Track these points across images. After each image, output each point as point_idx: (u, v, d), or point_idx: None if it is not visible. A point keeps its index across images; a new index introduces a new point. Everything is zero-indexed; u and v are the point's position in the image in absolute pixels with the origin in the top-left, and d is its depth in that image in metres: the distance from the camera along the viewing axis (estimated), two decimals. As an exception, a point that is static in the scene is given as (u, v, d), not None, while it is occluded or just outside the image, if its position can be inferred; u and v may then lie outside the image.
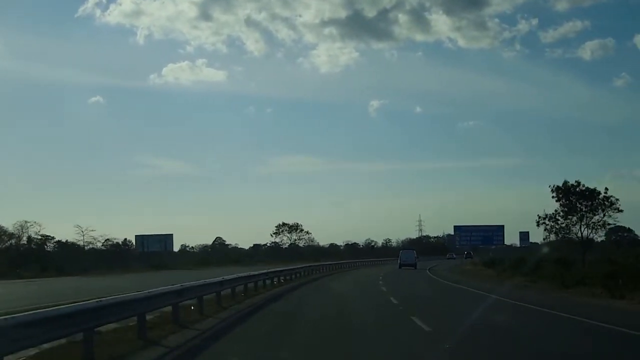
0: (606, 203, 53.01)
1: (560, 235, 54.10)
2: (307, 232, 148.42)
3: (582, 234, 53.77)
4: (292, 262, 77.01)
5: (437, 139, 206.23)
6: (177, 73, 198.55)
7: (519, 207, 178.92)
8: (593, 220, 53.23)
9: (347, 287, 41.01)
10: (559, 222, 53.41)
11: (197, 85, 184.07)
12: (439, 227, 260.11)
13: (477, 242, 72.56)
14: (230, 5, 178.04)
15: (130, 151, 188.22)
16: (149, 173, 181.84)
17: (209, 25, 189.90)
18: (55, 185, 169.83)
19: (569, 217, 53.75)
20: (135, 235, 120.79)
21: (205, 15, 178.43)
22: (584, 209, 53.56)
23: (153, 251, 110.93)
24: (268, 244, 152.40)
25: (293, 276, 47.20)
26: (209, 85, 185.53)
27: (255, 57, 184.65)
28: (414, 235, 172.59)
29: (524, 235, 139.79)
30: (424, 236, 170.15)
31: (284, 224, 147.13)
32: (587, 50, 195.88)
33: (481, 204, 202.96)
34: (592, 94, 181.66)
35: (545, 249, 78.58)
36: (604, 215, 53.27)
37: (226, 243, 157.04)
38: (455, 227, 71.44)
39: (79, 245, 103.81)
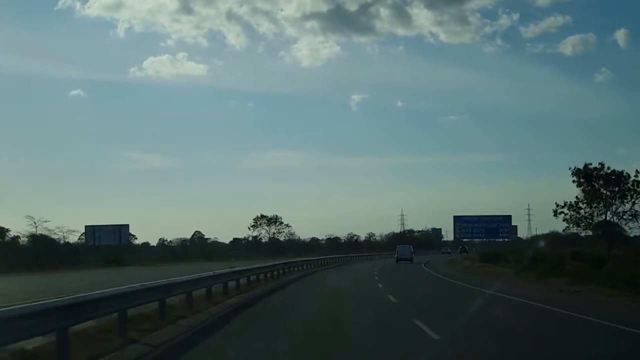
0: (637, 188, 43.50)
1: (583, 226, 44.34)
2: (287, 225, 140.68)
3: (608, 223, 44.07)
4: (272, 258, 71.98)
5: (418, 134, 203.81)
6: (157, 66, 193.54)
7: (501, 202, 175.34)
8: (623, 208, 43.52)
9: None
10: (582, 210, 43.63)
11: (178, 79, 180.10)
12: (421, 221, 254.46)
13: (480, 234, 62.54)
14: None
15: (110, 145, 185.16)
16: (130, 167, 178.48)
17: (190, 18, 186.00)
18: (34, 179, 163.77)
19: (594, 204, 44.12)
20: (85, 226, 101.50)
21: (186, 9, 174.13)
22: (610, 195, 43.95)
23: (105, 244, 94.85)
24: (248, 239, 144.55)
25: (268, 275, 37.36)
26: (189, 79, 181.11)
27: (237, 51, 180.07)
28: (397, 229, 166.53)
29: (512, 229, 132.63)
30: (408, 230, 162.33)
31: (262, 217, 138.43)
32: (568, 46, 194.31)
33: (462, 198, 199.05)
34: (573, 89, 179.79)
35: (542, 243, 70.34)
36: (634, 202, 43.73)
37: (205, 237, 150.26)
38: (455, 217, 61.32)
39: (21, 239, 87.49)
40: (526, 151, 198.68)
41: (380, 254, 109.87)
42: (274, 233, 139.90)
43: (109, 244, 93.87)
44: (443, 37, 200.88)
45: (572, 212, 44.74)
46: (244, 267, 30.88)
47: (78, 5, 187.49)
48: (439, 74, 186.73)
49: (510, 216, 61.74)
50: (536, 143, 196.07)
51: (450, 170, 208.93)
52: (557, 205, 44.59)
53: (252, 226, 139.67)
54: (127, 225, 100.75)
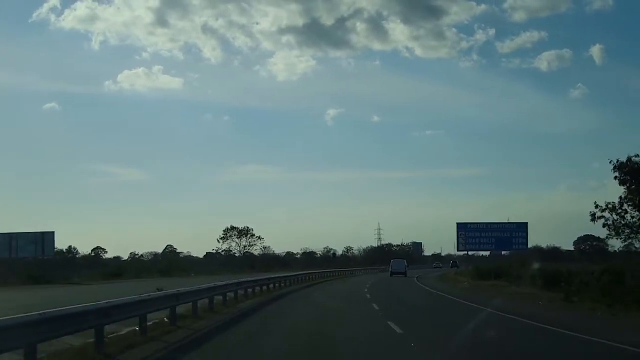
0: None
1: (626, 235, 33.64)
2: (259, 238, 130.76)
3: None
4: (240, 274, 64.29)
5: (394, 149, 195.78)
6: (133, 80, 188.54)
7: (478, 216, 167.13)
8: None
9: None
10: (628, 215, 33.01)
11: (153, 92, 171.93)
12: (398, 236, 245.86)
13: (489, 245, 51.52)
14: (187, 12, 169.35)
15: (85, 158, 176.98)
16: (104, 180, 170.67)
17: (165, 31, 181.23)
18: (5, 193, 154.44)
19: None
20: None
21: (161, 22, 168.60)
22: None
23: (23, 256, 73.84)
24: (221, 252, 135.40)
25: (226, 298, 26.73)
26: (165, 93, 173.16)
27: (212, 65, 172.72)
28: (374, 243, 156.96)
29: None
30: (386, 245, 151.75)
31: (232, 228, 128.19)
32: (544, 61, 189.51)
33: (439, 213, 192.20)
34: (549, 105, 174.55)
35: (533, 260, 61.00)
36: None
37: (178, 251, 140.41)
38: (458, 225, 48.58)
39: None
40: (502, 166, 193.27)
41: (364, 270, 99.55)
42: (245, 246, 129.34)
43: (30, 256, 75.05)
44: (419, 52, 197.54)
45: (615, 216, 33.65)
46: (179, 290, 20.38)
47: (53, 17, 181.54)
48: (415, 89, 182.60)
49: (526, 224, 49.70)
50: (512, 158, 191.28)
51: (427, 185, 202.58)
52: (597, 207, 33.40)
53: (222, 238, 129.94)
54: (53, 233, 75.31)
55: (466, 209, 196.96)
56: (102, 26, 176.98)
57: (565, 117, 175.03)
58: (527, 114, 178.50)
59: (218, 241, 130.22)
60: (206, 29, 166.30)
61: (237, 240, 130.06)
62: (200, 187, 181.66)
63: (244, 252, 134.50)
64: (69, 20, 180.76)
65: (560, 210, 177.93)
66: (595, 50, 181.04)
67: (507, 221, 49.41)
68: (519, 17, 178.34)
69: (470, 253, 60.96)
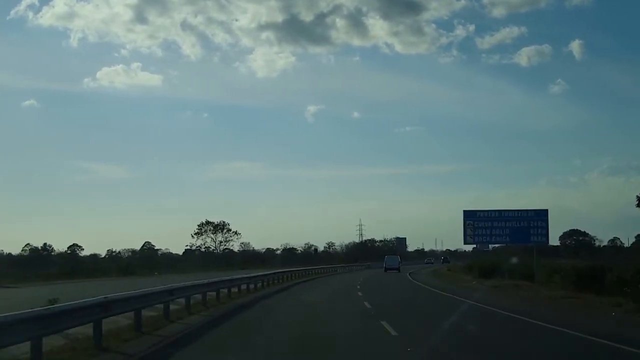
0: None
1: None
2: (236, 233, 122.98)
3: None
4: (212, 271, 60.23)
5: (374, 144, 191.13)
6: (111, 77, 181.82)
7: (458, 214, 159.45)
8: None
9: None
10: None
11: (132, 89, 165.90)
12: (379, 231, 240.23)
13: (502, 237, 41.49)
14: (166, 8, 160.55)
15: (64, 155, 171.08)
16: (84, 177, 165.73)
17: (144, 28, 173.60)
18: None
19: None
20: None
21: (140, 18, 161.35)
22: None
23: None
24: (202, 249, 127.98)
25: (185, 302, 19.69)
26: (144, 89, 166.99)
27: (192, 61, 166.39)
28: (355, 239, 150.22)
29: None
30: (369, 240, 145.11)
31: (207, 223, 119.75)
32: (524, 57, 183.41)
33: (421, 209, 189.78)
34: (529, 100, 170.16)
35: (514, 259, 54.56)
36: None
37: (156, 248, 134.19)
38: (465, 213, 40.09)
39: None
40: (483, 162, 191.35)
41: (348, 267, 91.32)
42: (221, 241, 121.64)
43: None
44: (399, 47, 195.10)
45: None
46: (107, 297, 13.19)
47: (31, 14, 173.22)
48: (395, 85, 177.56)
49: (546, 211, 40.49)
50: (492, 154, 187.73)
51: (407, 181, 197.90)
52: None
53: (196, 233, 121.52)
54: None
55: (447, 205, 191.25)
56: (80, 23, 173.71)
57: (545, 112, 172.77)
58: (507, 110, 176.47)
59: (192, 236, 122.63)
60: (185, 26, 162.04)
61: (212, 236, 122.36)
62: (180, 184, 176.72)
63: (223, 249, 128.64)
64: (47, 17, 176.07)
65: (541, 205, 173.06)
66: (575, 46, 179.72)
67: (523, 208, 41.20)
68: (498, 12, 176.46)
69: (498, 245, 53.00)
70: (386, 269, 74.14)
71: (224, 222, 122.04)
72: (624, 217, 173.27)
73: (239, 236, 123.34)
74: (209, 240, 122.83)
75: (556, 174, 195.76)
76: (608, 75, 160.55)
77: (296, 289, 37.33)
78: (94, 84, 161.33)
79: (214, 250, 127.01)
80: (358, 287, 37.95)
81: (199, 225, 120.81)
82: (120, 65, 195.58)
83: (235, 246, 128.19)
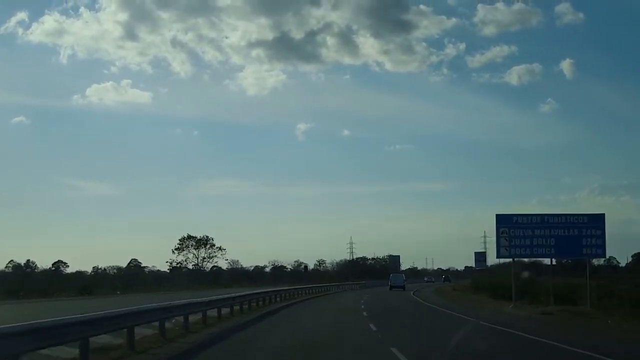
0: None
1: None
2: (220, 248, 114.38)
3: None
4: (192, 290, 55.36)
5: (364, 163, 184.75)
6: (101, 93, 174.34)
7: (448, 232, 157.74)
8: None
9: None
10: None
11: (121, 106, 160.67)
12: (370, 250, 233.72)
13: (546, 249, 30.11)
14: (156, 25, 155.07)
15: (53, 172, 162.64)
16: (73, 194, 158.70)
17: (134, 45, 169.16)
18: None
19: None
20: None
21: (130, 35, 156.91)
22: None
23: None
24: (190, 267, 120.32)
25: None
26: (134, 107, 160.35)
27: (182, 79, 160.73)
28: (346, 257, 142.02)
29: (480, 256, 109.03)
30: (360, 258, 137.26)
31: (189, 237, 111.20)
32: (514, 75, 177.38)
33: (411, 227, 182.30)
34: (519, 119, 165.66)
35: (526, 274, 47.41)
36: None
37: (142, 265, 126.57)
38: (498, 218, 32.18)
39: None
40: (473, 180, 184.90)
41: (340, 285, 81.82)
42: (204, 257, 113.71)
43: None
44: (389, 66, 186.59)
45: None
46: None
47: (20, 31, 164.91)
48: (385, 103, 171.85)
49: (602, 216, 32.06)
50: (482, 172, 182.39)
51: (397, 199, 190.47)
52: None
53: (177, 249, 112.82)
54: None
55: (438, 224, 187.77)
56: (70, 40, 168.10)
57: (536, 131, 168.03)
58: (498, 128, 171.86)
59: (173, 252, 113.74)
60: (175, 43, 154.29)
61: (195, 251, 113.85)
62: (169, 201, 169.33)
63: (212, 267, 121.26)
64: (37, 33, 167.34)
65: None
66: (565, 65, 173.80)
67: (573, 213, 32.62)
68: (489, 31, 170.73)
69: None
70: (391, 287, 73.59)
71: (207, 236, 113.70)
72: (615, 236, 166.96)
73: (223, 252, 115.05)
74: (190, 256, 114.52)
75: (546, 193, 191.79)
76: (598, 94, 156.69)
77: (279, 317, 29.51)
78: (83, 101, 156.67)
79: (201, 267, 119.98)
80: (364, 313, 29.61)
81: (180, 240, 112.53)
82: (110, 82, 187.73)
83: (221, 263, 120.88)
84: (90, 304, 32.49)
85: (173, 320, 19.70)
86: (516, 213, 33.05)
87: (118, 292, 59.98)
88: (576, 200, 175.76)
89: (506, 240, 31.82)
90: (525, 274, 46.87)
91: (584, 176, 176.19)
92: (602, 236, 31.45)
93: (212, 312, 23.85)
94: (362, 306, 35.70)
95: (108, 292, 61.27)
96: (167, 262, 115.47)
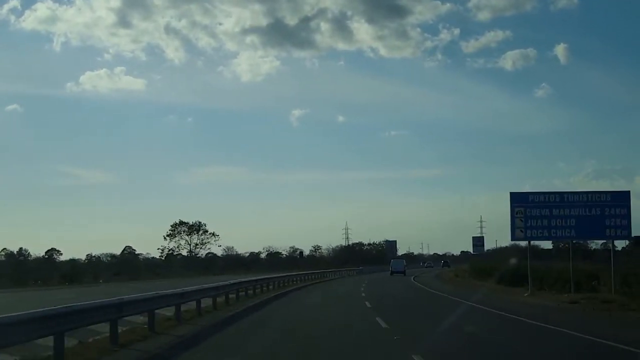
0: None
1: None
2: (213, 234, 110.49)
3: None
4: (180, 277, 54.93)
5: (359, 149, 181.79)
6: (94, 81, 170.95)
7: (443, 218, 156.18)
8: None
9: None
10: None
11: (115, 93, 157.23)
12: (365, 235, 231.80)
13: (566, 230, 28.78)
14: (149, 12, 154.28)
15: (47, 160, 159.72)
16: (67, 182, 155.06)
17: (127, 32, 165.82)
18: None
19: None
20: None
21: (123, 22, 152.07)
22: None
23: None
24: (184, 254, 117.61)
25: None
26: (127, 94, 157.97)
27: (175, 66, 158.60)
28: (341, 243, 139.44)
29: (478, 241, 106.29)
30: (356, 243, 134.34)
31: (181, 223, 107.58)
32: (509, 60, 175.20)
33: (406, 213, 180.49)
34: (514, 104, 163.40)
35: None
36: None
37: (137, 253, 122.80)
38: (513, 196, 28.88)
39: None
40: (467, 165, 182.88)
41: (338, 272, 78.07)
42: (197, 244, 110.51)
43: None
44: (383, 51, 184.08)
45: None
46: None
47: (13, 18, 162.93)
48: (380, 89, 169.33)
49: (627, 193, 28.77)
50: (477, 157, 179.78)
51: (392, 185, 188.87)
52: None
53: (168, 235, 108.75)
54: None
55: (433, 209, 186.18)
56: (63, 27, 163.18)
57: (530, 116, 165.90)
58: (492, 114, 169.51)
59: (165, 238, 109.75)
60: (169, 30, 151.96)
61: (187, 237, 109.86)
62: (163, 188, 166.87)
63: (206, 253, 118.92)
64: (30, 21, 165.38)
65: None
66: (560, 49, 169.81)
67: (593, 190, 29.31)
68: (483, 16, 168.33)
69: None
70: (392, 272, 73.86)
71: (199, 222, 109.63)
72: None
73: (216, 238, 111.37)
74: (183, 242, 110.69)
75: (541, 178, 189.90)
76: (593, 79, 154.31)
77: (273, 308, 26.51)
78: (77, 89, 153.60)
79: (195, 254, 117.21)
80: (368, 305, 25.84)
81: (172, 226, 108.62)
82: (104, 70, 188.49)
83: (214, 249, 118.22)
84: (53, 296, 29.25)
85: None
86: (532, 191, 29.88)
87: (101, 281, 57.09)
88: (571, 185, 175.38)
89: (521, 221, 28.65)
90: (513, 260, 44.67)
91: (578, 161, 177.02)
92: (627, 216, 28.17)
93: (191, 305, 20.87)
94: (363, 294, 32.95)
95: (90, 281, 58.21)
96: (158, 248, 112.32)
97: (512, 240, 32.65)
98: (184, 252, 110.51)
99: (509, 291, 34.39)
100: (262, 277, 39.33)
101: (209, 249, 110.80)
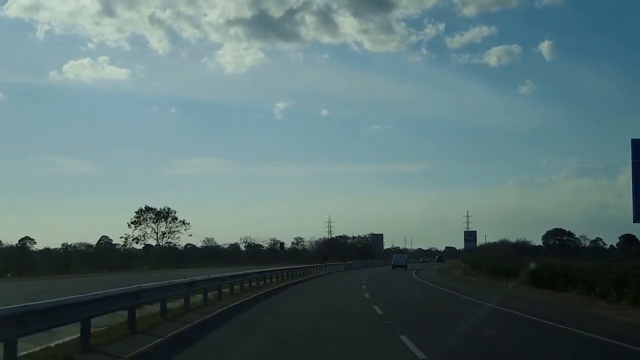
0: None
1: None
2: (183, 222, 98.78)
3: None
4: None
5: (343, 142, 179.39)
6: (78, 70, 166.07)
7: (426, 212, 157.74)
8: None
9: None
10: None
11: (99, 83, 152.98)
12: (349, 229, 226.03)
13: None
14: (133, 1, 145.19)
15: (29, 149, 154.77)
16: (49, 171, 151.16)
17: (111, 21, 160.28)
18: None
19: None
20: None
21: (108, 11, 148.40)
22: None
23: None
24: (163, 245, 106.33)
25: None
26: (111, 84, 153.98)
27: (159, 56, 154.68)
28: (325, 236, 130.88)
29: (470, 236, 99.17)
30: (340, 236, 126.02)
31: (148, 209, 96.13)
32: (493, 56, 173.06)
33: (389, 207, 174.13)
34: (497, 100, 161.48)
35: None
36: None
37: (113, 242, 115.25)
38: (635, 143, 21.16)
39: None
40: (451, 161, 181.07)
41: (324, 267, 65.25)
42: (165, 232, 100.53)
43: None
44: (368, 45, 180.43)
45: None
46: None
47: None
48: (364, 83, 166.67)
49: None
50: (460, 153, 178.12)
51: (376, 179, 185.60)
52: None
53: (133, 222, 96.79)
54: None
55: (416, 204, 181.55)
56: (47, 15, 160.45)
57: (514, 113, 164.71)
58: (476, 109, 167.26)
59: (129, 225, 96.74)
60: (153, 20, 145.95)
61: (154, 225, 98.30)
62: (146, 179, 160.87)
63: (187, 245, 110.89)
64: (13, 8, 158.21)
65: (510, 205, 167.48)
66: (544, 46, 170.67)
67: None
68: (468, 11, 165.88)
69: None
70: (394, 266, 72.13)
71: (168, 208, 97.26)
72: (592, 218, 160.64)
73: (187, 226, 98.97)
74: (149, 230, 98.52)
75: (524, 174, 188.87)
76: (577, 77, 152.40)
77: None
78: (60, 77, 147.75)
79: (175, 245, 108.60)
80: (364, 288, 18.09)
81: (137, 212, 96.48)
82: (87, 59, 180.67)
83: (193, 240, 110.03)
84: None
85: None
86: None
87: (9, 275, 48.83)
88: (553, 182, 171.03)
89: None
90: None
91: (561, 158, 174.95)
92: None
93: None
94: (364, 287, 25.21)
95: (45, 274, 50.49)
96: (121, 237, 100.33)
97: (634, 222, 23.59)
98: (151, 241, 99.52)
99: (534, 292, 26.59)
100: (229, 274, 29.45)
101: (178, 238, 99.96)
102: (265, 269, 37.24)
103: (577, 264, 35.42)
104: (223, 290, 24.83)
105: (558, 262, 35.85)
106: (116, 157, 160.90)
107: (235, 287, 27.66)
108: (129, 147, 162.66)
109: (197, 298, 21.29)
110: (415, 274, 55.83)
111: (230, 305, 21.15)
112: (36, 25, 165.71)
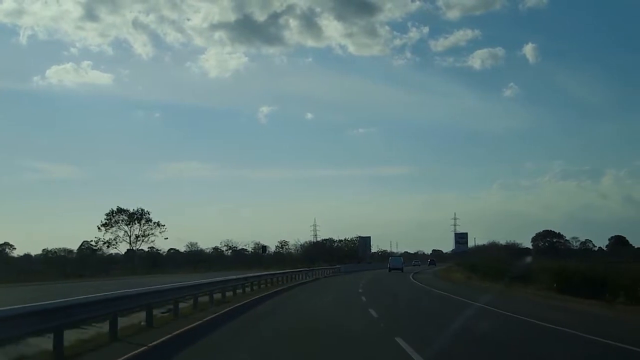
0: None
1: None
2: (158, 224, 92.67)
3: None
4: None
5: (328, 146, 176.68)
6: (61, 75, 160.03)
7: (413, 216, 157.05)
8: None
9: None
10: None
11: (82, 87, 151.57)
12: (333, 233, 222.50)
13: None
14: (117, 6, 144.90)
15: (12, 154, 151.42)
16: (31, 177, 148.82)
17: (94, 26, 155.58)
18: None
19: None
20: None
21: (90, 16, 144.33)
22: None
23: None
24: (145, 249, 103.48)
25: None
26: (94, 88, 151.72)
27: (143, 60, 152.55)
28: (311, 239, 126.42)
29: (461, 238, 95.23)
30: (326, 239, 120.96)
31: (120, 211, 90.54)
32: (477, 60, 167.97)
33: (374, 210, 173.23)
34: (481, 103, 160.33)
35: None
36: None
37: (95, 248, 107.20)
38: None
39: None
40: (435, 164, 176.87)
41: (311, 272, 57.06)
42: (138, 235, 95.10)
43: None
44: (352, 49, 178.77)
45: None
46: None
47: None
48: (348, 87, 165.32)
49: None
50: (445, 156, 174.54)
51: (360, 183, 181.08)
52: None
53: (103, 225, 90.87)
54: None
55: (400, 207, 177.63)
56: (29, 20, 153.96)
57: (498, 116, 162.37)
58: (460, 113, 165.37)
59: (99, 228, 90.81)
60: (137, 24, 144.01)
61: (126, 227, 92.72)
62: (130, 184, 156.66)
63: (170, 249, 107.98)
64: None
65: (497, 208, 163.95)
66: (528, 49, 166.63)
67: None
68: (452, 15, 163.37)
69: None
70: (390, 269, 71.74)
71: (141, 210, 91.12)
72: (578, 219, 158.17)
73: (162, 229, 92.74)
74: (121, 233, 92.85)
75: (509, 177, 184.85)
76: (560, 79, 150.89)
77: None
78: (43, 82, 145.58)
79: (158, 250, 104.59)
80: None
81: (107, 214, 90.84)
82: (70, 64, 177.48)
83: (159, 242, 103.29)
84: None
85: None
86: None
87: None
88: (538, 185, 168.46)
89: None
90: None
91: (546, 161, 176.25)
92: None
93: None
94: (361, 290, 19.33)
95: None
96: (92, 241, 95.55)
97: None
98: (124, 245, 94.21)
99: (555, 298, 22.21)
100: (203, 281, 25.28)
101: (152, 241, 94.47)
102: (233, 277, 28.85)
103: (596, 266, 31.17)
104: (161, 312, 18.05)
105: (582, 265, 31.40)
106: (99, 162, 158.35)
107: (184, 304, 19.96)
108: (112, 151, 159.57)
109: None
110: (414, 278, 50.56)
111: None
112: (19, 30, 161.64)
